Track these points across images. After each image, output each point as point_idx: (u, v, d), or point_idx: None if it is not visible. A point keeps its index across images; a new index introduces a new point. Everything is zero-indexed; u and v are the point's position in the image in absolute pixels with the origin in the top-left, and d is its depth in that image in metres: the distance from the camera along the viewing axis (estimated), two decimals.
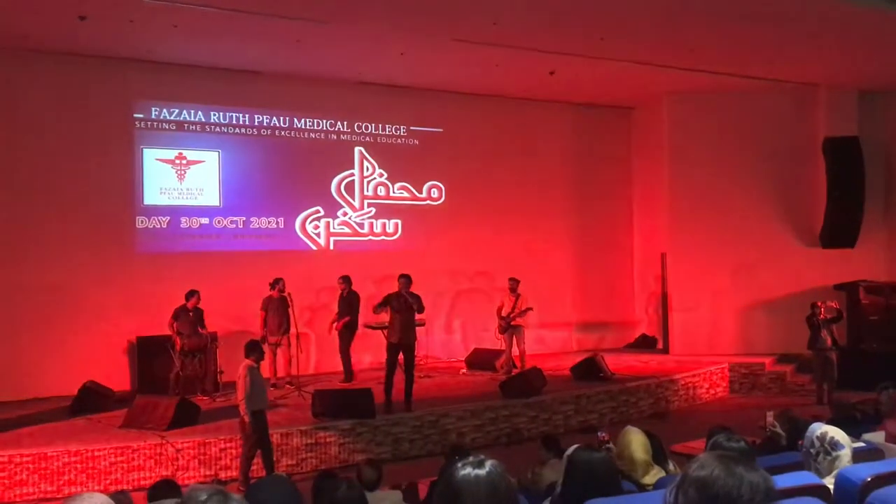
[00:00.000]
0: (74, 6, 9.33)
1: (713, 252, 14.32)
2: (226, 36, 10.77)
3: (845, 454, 3.43)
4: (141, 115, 12.02)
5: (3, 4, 9.28)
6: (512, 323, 12.30)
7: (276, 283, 11.51)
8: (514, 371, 12.06)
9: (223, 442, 8.71)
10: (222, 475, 8.50)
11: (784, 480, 2.98)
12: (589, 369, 12.09)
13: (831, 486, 3.18)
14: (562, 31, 10.79)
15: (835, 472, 3.31)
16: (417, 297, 10.17)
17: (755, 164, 14.30)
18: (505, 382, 11.03)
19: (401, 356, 10.20)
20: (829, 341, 11.93)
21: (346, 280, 12.00)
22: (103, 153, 11.65)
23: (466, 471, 2.03)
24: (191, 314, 10.84)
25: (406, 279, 10.20)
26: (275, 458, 8.52)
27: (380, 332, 11.30)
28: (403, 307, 10.10)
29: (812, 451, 3.50)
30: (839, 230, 13.93)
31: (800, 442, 3.71)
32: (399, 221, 14.09)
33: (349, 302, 11.91)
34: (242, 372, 8.02)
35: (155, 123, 12.13)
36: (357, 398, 9.71)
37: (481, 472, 2.03)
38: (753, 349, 14.11)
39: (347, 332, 11.87)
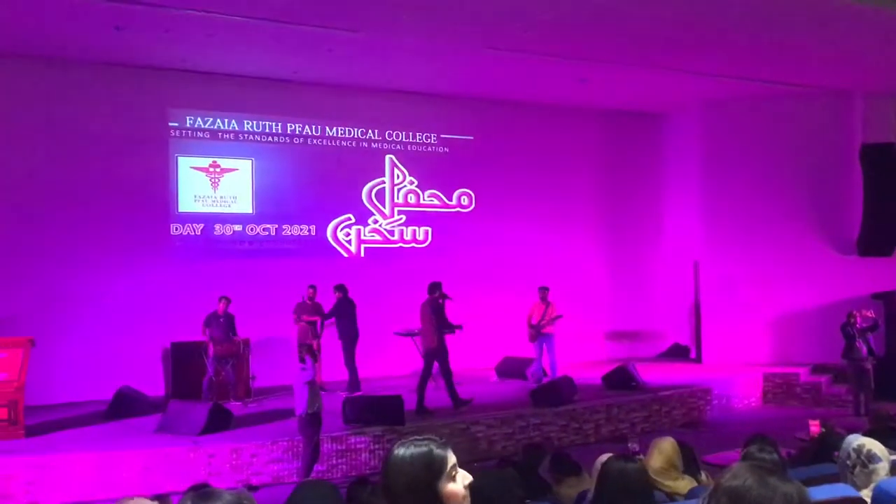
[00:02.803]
0: (111, 17, 9.50)
1: (747, 260, 14.14)
2: (259, 45, 10.89)
3: (882, 467, 3.37)
4: (176, 124, 12.19)
5: (42, 16, 9.49)
6: (542, 331, 12.27)
7: (308, 289, 11.70)
8: (545, 379, 12.00)
9: (255, 447, 8.78)
10: (254, 480, 8.56)
11: (820, 493, 2.93)
12: (621, 378, 11.99)
13: (868, 499, 3.13)
14: (593, 39, 10.77)
15: (872, 485, 3.26)
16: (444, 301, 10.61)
17: (790, 171, 14.11)
18: (535, 391, 10.99)
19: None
20: (864, 351, 11.71)
21: (340, 288, 11.80)
22: (139, 161, 11.82)
23: (394, 448, 1.99)
24: (222, 319, 10.94)
25: (436, 285, 10.51)
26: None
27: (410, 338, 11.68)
28: (434, 313, 10.38)
29: (848, 463, 3.44)
30: (876, 238, 13.69)
31: (835, 454, 3.65)
32: (429, 229, 14.12)
33: (345, 309, 11.75)
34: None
35: (189, 132, 12.31)
36: (387, 405, 9.72)
37: (406, 451, 1.96)
38: (788, 359, 13.90)
39: (349, 342, 11.78)
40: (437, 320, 10.34)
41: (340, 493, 3.03)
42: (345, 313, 11.71)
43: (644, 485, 3.43)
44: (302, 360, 8.42)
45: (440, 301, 10.46)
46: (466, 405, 10.37)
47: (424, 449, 1.94)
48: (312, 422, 8.32)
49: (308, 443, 8.41)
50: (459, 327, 10.74)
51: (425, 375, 10.42)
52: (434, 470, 1.92)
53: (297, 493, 3.02)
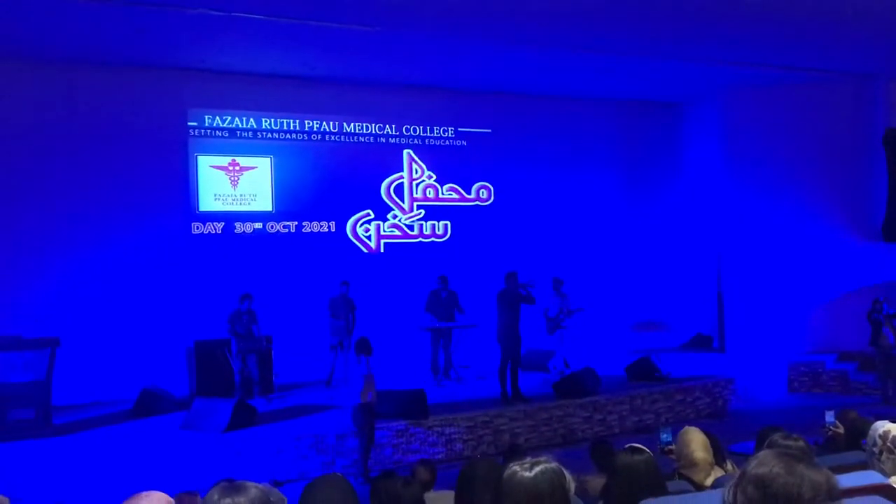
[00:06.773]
0: (133, 19, 9.55)
1: (770, 248, 13.99)
2: (276, 43, 10.91)
3: None
4: (195, 123, 12.25)
5: (64, 18, 9.56)
6: (562, 324, 12.25)
7: (341, 285, 11.75)
8: (567, 371, 11.97)
9: (280, 443, 8.83)
10: (279, 476, 8.60)
11: (848, 480, 2.90)
12: (644, 369, 11.93)
13: None
14: (611, 29, 10.68)
15: None
16: (527, 291, 10.55)
17: (812, 157, 13.93)
18: (558, 383, 10.95)
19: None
20: (892, 338, 11.58)
21: (444, 280, 12.09)
22: (159, 161, 11.90)
23: (513, 472, 2.01)
24: (244, 316, 11.00)
25: (513, 276, 10.50)
26: (331, 459, 8.80)
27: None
28: (511, 303, 10.41)
29: (875, 450, 3.40)
30: None
31: (863, 441, 3.61)
32: (448, 222, 14.11)
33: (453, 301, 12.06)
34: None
35: (209, 131, 12.36)
36: (410, 399, 9.73)
37: (527, 475, 2.00)
38: (813, 347, 13.76)
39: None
40: (510, 308, 10.42)
41: (352, 486, 3.05)
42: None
43: (653, 474, 3.40)
44: (358, 354, 8.59)
45: (518, 290, 10.47)
46: (525, 402, 10.40)
47: (547, 475, 1.99)
48: (366, 411, 8.44)
49: (360, 431, 8.53)
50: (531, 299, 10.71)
51: (503, 366, 10.51)
52: (562, 494, 1.98)
53: (310, 487, 3.04)
